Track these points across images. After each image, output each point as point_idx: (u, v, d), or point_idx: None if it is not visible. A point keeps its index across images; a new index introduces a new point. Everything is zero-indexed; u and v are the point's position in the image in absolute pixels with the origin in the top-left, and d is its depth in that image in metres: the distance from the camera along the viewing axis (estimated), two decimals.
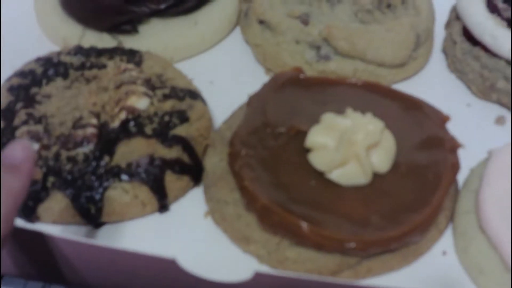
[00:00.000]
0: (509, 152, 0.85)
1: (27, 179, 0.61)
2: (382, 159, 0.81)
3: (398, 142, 0.84)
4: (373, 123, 0.81)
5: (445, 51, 1.10)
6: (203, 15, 1.08)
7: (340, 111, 0.85)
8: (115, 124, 0.85)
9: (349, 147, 0.80)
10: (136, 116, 0.86)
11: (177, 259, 0.67)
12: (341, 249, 0.76)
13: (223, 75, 1.06)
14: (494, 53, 0.99)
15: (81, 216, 0.82)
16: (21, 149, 0.61)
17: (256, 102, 0.90)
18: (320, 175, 0.81)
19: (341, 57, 1.02)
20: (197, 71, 1.03)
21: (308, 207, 0.78)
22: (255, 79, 1.01)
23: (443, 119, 0.88)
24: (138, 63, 0.94)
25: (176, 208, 0.87)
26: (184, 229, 0.85)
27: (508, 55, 0.97)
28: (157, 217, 0.86)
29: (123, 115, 0.86)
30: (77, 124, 0.84)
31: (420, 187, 0.81)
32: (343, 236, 0.75)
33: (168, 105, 0.89)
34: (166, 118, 0.87)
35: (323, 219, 0.77)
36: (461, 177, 0.89)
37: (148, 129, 0.85)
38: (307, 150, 0.83)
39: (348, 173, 0.80)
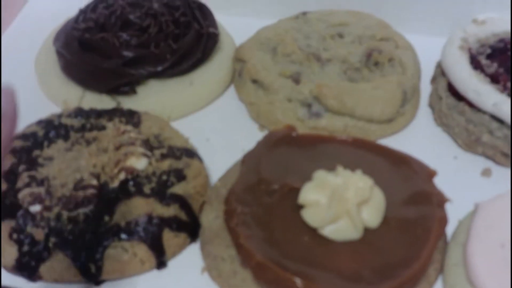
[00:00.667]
0: (495, 205, 0.88)
1: (12, 128, 0.55)
2: (372, 214, 0.84)
3: (387, 197, 0.87)
4: (363, 180, 0.84)
5: (431, 105, 1.14)
6: (199, 76, 1.13)
7: (331, 167, 0.88)
8: (115, 184, 0.89)
9: (340, 204, 0.83)
10: (135, 176, 0.89)
11: None
12: None
13: (219, 132, 1.10)
14: (478, 108, 1.03)
15: (82, 274, 0.84)
16: (5, 97, 0.55)
17: (250, 160, 0.93)
18: (313, 231, 0.84)
19: (331, 114, 1.06)
20: (194, 129, 1.07)
21: (301, 263, 0.80)
22: (249, 135, 1.05)
23: (430, 174, 0.92)
24: (137, 124, 0.98)
25: (174, 264, 0.90)
26: (181, 285, 0.88)
27: (491, 110, 1.01)
28: (155, 274, 0.89)
29: (122, 176, 0.89)
30: (78, 185, 0.87)
31: (410, 242, 0.83)
32: None
33: (166, 164, 0.92)
34: (164, 177, 0.90)
35: (316, 274, 0.79)
36: (450, 229, 0.92)
37: (147, 189, 0.89)
38: (300, 207, 0.86)
39: (340, 229, 0.83)
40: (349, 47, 1.15)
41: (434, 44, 1.20)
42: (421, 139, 1.10)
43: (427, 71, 1.19)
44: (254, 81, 1.10)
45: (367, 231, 0.84)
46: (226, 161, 1.00)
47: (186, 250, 0.92)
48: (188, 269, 0.89)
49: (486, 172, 1.03)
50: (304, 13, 1.23)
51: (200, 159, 0.97)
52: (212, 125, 1.11)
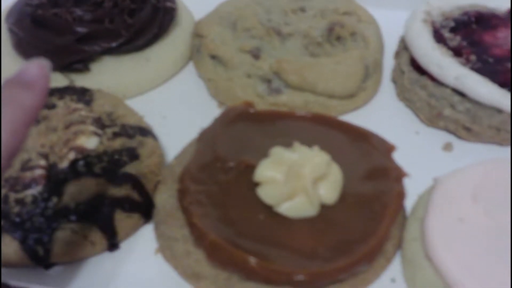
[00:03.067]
0: (454, 179, 0.87)
1: (41, 97, 0.59)
2: (329, 191, 0.82)
3: (345, 173, 0.85)
4: (320, 156, 0.82)
5: (394, 80, 1.12)
6: (155, 52, 1.09)
7: (289, 144, 0.86)
8: (64, 164, 0.85)
9: (296, 180, 0.81)
10: (85, 156, 0.86)
11: None
12: (290, 282, 0.76)
13: (177, 110, 1.07)
14: (440, 82, 1.01)
15: (30, 258, 0.81)
16: (37, 68, 0.60)
17: (206, 137, 0.91)
18: (269, 209, 0.82)
19: (292, 90, 1.03)
20: (150, 107, 1.05)
21: (256, 242, 0.78)
22: (208, 113, 1.02)
23: (389, 149, 0.90)
24: (89, 102, 0.95)
25: (127, 246, 0.87)
26: (135, 267, 0.85)
27: (453, 84, 0.99)
28: (107, 256, 0.86)
29: (72, 155, 0.86)
30: (25, 166, 0.84)
31: (367, 217, 0.82)
32: (291, 269, 0.76)
33: (118, 143, 0.89)
34: (116, 156, 0.87)
35: (271, 253, 0.77)
36: (410, 204, 0.91)
37: (97, 168, 0.86)
38: (256, 185, 0.83)
39: (296, 206, 0.81)
40: (311, 22, 1.12)
41: (399, 18, 1.18)
42: (383, 114, 1.08)
43: (391, 45, 1.17)
44: (213, 57, 1.07)
45: (324, 207, 0.83)
46: (183, 140, 0.97)
47: (140, 231, 0.89)
48: (142, 251, 0.87)
49: (447, 147, 1.02)
50: None
51: (154, 138, 0.94)
52: (170, 102, 1.08)
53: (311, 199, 0.80)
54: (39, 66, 0.60)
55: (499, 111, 0.98)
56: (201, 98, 1.09)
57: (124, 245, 0.87)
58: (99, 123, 0.91)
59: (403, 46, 1.12)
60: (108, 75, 1.06)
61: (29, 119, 0.57)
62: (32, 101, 0.58)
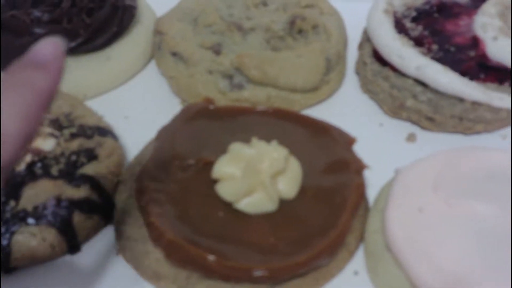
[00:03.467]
0: (414, 169, 0.86)
1: (56, 79, 0.55)
2: (288, 185, 0.82)
3: (305, 167, 0.85)
4: (277, 151, 0.82)
5: (357, 72, 1.12)
6: (116, 51, 1.08)
7: (249, 140, 0.85)
8: (21, 167, 0.85)
9: (254, 176, 0.80)
10: (42, 158, 0.86)
11: None
12: (250, 278, 0.76)
13: (139, 109, 1.06)
14: (402, 72, 1.01)
15: None
16: (51, 47, 0.56)
17: (165, 135, 0.90)
18: (228, 206, 0.81)
19: (254, 85, 1.03)
20: (112, 107, 1.04)
21: (215, 239, 0.78)
22: (170, 111, 1.01)
23: (349, 141, 0.90)
24: None
25: (88, 248, 0.87)
26: (96, 269, 0.84)
27: (414, 74, 0.99)
28: (69, 259, 0.85)
29: (28, 158, 0.85)
30: None
31: (327, 211, 0.82)
32: (249, 265, 0.75)
33: (76, 144, 0.88)
34: (73, 157, 0.87)
35: (230, 250, 0.77)
36: (373, 196, 0.91)
37: (55, 170, 0.85)
38: (215, 182, 0.83)
39: (255, 202, 0.81)
40: (272, 15, 1.11)
41: (363, 10, 1.16)
42: (347, 107, 1.08)
43: (356, 37, 1.17)
44: (174, 54, 1.06)
45: (284, 202, 0.82)
46: (145, 139, 0.96)
47: (101, 233, 0.88)
48: (103, 252, 0.86)
49: (411, 138, 1.02)
50: None
51: (114, 137, 0.94)
52: (132, 102, 1.07)
53: (270, 194, 0.80)
54: (53, 44, 0.55)
55: (461, 100, 0.98)
56: (163, 96, 1.08)
57: (86, 247, 0.87)
58: (56, 124, 0.90)
59: (366, 38, 1.12)
60: (68, 76, 1.02)
61: (44, 102, 0.53)
62: (47, 83, 0.53)
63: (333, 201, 0.83)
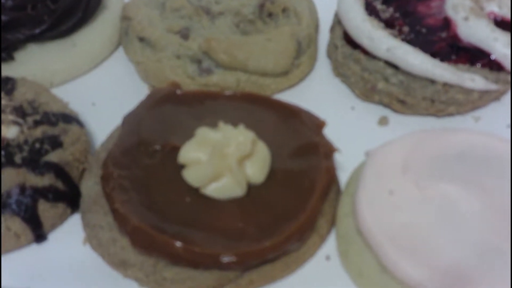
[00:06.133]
0: (384, 152, 0.86)
1: None
2: (256, 169, 0.81)
3: (274, 151, 0.84)
4: (244, 135, 0.80)
5: (329, 56, 1.11)
6: (82, 37, 1.07)
7: (216, 124, 0.84)
8: None
9: (221, 160, 0.79)
10: (5, 146, 0.84)
11: None
12: (218, 264, 0.75)
13: (106, 96, 1.04)
14: (372, 55, 1.00)
15: None
16: None
17: (130, 121, 0.88)
18: (195, 191, 0.80)
19: (223, 70, 1.01)
20: (79, 94, 1.03)
21: (182, 225, 0.77)
22: (138, 97, 0.99)
23: (319, 125, 0.88)
24: (10, 91, 0.92)
25: (54, 236, 0.85)
26: (63, 258, 0.83)
27: (385, 56, 0.98)
28: (34, 248, 0.84)
29: None
30: None
31: (296, 194, 0.80)
32: (216, 251, 0.74)
33: (39, 131, 0.87)
34: (37, 145, 0.85)
35: (197, 236, 0.76)
36: (345, 180, 0.90)
37: (18, 158, 0.83)
38: (182, 167, 0.81)
39: (223, 187, 0.79)
40: None
41: None
42: (319, 91, 1.07)
43: (328, 21, 1.15)
44: (141, 39, 1.04)
45: (252, 187, 0.81)
46: (113, 126, 0.94)
47: (67, 221, 0.87)
48: (70, 241, 0.85)
49: (382, 121, 1.01)
50: None
51: (80, 124, 0.92)
52: (99, 88, 1.06)
53: (237, 179, 0.79)
54: None
55: (432, 81, 0.97)
56: (131, 83, 1.07)
57: (52, 236, 0.85)
58: (20, 111, 0.88)
59: (337, 21, 1.10)
60: (33, 63, 1.03)
61: None
62: None
63: (302, 185, 0.81)
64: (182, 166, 0.82)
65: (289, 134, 0.88)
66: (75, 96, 0.99)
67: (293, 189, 0.81)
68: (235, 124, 0.83)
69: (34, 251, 0.84)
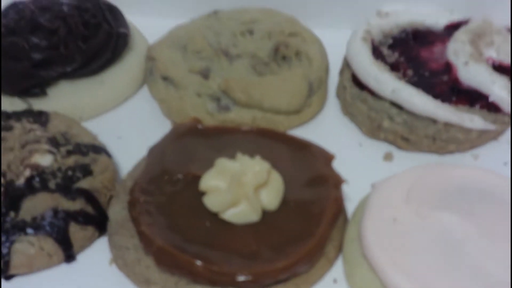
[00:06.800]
0: (388, 184, 0.92)
1: None
2: (270, 197, 0.88)
3: (287, 181, 0.91)
4: (260, 165, 0.88)
5: (338, 96, 1.19)
6: (110, 75, 1.15)
7: (234, 156, 0.91)
8: (20, 181, 0.90)
9: (239, 188, 0.86)
10: (40, 172, 0.91)
11: None
12: (234, 283, 0.82)
13: (131, 130, 1.12)
14: (378, 95, 1.08)
15: None
16: None
17: (155, 152, 0.96)
18: (214, 216, 0.87)
19: (240, 107, 1.09)
20: (106, 128, 1.10)
21: (202, 246, 0.83)
22: (161, 132, 1.06)
23: (328, 158, 0.96)
24: (44, 123, 1.00)
25: (83, 257, 0.92)
26: (90, 278, 0.90)
27: (390, 97, 1.06)
28: (64, 267, 0.91)
29: (27, 172, 0.91)
30: None
31: (306, 221, 0.87)
32: (232, 270, 0.81)
33: (72, 160, 0.94)
34: (69, 172, 0.92)
35: (215, 256, 0.82)
36: (352, 209, 0.97)
37: (52, 184, 0.90)
38: (203, 194, 0.89)
39: (240, 212, 0.86)
40: (258, 43, 1.18)
41: (344, 38, 1.23)
42: (329, 129, 1.14)
43: (337, 64, 1.23)
44: (165, 78, 1.13)
45: (266, 213, 0.88)
46: (137, 157, 1.02)
47: (95, 243, 0.94)
48: (97, 261, 0.92)
49: (387, 156, 1.08)
50: (216, 12, 1.26)
51: (108, 155, 0.99)
52: (125, 123, 1.14)
53: (253, 205, 0.86)
54: None
55: (434, 121, 1.04)
56: (154, 118, 1.14)
57: (80, 257, 0.92)
58: (54, 142, 0.96)
59: (346, 64, 1.18)
60: (64, 99, 1.11)
61: None
62: None
63: (312, 212, 0.88)
64: (202, 193, 0.89)
65: (301, 166, 0.95)
66: (103, 129, 1.07)
67: (304, 216, 0.88)
68: (251, 156, 0.91)
69: (64, 270, 0.91)
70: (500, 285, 0.81)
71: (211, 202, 0.87)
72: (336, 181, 0.92)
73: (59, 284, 0.89)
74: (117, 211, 0.92)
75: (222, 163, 0.89)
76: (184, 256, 0.81)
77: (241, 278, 0.81)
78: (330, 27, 1.31)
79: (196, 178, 0.90)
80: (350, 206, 0.98)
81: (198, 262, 0.81)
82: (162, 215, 0.87)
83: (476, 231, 0.86)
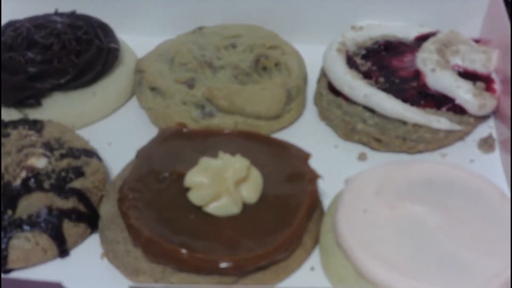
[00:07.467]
0: (360, 178, 0.99)
1: None
2: (250, 191, 0.95)
3: (266, 177, 0.98)
4: (240, 162, 0.94)
5: (316, 103, 1.26)
6: (101, 87, 1.22)
7: (216, 156, 0.98)
8: (17, 182, 0.97)
9: (220, 183, 0.93)
10: (35, 174, 0.98)
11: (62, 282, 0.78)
12: (217, 270, 0.88)
13: (121, 136, 1.19)
14: (352, 101, 1.16)
15: None
16: None
17: (143, 154, 1.03)
18: (198, 210, 0.94)
19: (223, 114, 1.16)
20: (97, 135, 1.17)
21: (186, 237, 0.90)
22: (149, 138, 1.13)
23: (305, 156, 1.03)
24: (39, 130, 1.07)
25: (76, 252, 0.98)
26: (83, 271, 0.96)
27: (363, 101, 1.13)
28: (58, 262, 0.97)
29: (24, 174, 0.97)
30: None
31: (284, 213, 0.94)
32: (215, 257, 0.87)
33: (65, 163, 1.01)
34: (63, 174, 0.99)
35: (199, 245, 0.89)
36: (328, 204, 1.03)
37: (47, 184, 0.97)
38: (187, 190, 0.95)
39: (222, 206, 0.93)
40: (240, 55, 1.26)
41: (322, 52, 1.31)
42: (307, 133, 1.21)
43: (315, 74, 1.31)
44: (153, 89, 1.20)
45: (246, 206, 0.95)
46: (126, 161, 1.09)
47: (87, 240, 1.00)
48: (89, 256, 0.97)
49: (362, 157, 1.15)
50: (201, 28, 1.35)
51: (99, 158, 1.06)
52: (115, 131, 1.20)
53: (234, 199, 0.93)
54: None
55: (404, 123, 1.12)
56: (143, 126, 1.21)
57: (74, 252, 0.98)
58: (48, 146, 1.03)
59: (323, 73, 1.26)
60: (58, 109, 1.18)
61: None
62: None
63: (289, 205, 0.95)
64: (187, 189, 0.96)
65: (279, 164, 1.02)
66: (94, 137, 1.13)
67: (281, 208, 0.95)
68: (232, 155, 0.98)
69: (58, 265, 0.97)
70: (467, 269, 0.87)
71: (195, 196, 0.94)
72: (312, 177, 0.99)
73: (54, 278, 0.94)
74: (107, 209, 0.99)
75: (206, 161, 0.96)
76: (170, 246, 0.88)
77: (223, 265, 0.87)
78: (309, 42, 1.38)
79: (181, 176, 0.97)
80: (326, 202, 1.04)
81: (184, 251, 0.87)
82: (149, 210, 0.93)
83: (443, 219, 0.93)
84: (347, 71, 1.19)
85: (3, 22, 1.31)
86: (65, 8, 1.33)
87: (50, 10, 1.33)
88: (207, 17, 1.39)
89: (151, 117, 1.21)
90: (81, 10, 1.34)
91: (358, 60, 1.24)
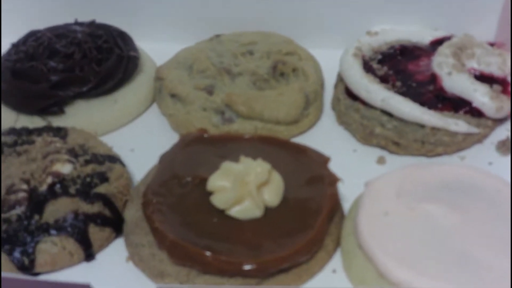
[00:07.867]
0: (380, 181, 1.01)
1: None
2: (272, 194, 0.96)
3: (287, 181, 0.99)
4: (261, 166, 0.96)
5: (333, 108, 1.28)
6: (122, 95, 1.25)
7: (237, 161, 1.00)
8: (43, 188, 0.99)
9: (242, 187, 0.94)
10: (61, 180, 1.00)
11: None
12: (240, 272, 0.89)
13: (143, 143, 1.21)
14: (370, 105, 1.17)
15: (17, 268, 0.94)
16: None
17: (165, 159, 1.05)
18: (221, 213, 0.95)
19: (242, 119, 1.18)
20: (119, 142, 1.19)
21: (210, 240, 0.91)
22: (170, 144, 1.15)
23: (324, 160, 1.04)
24: (63, 137, 1.09)
25: (101, 256, 1.00)
26: (109, 274, 0.97)
27: (380, 105, 1.15)
28: (85, 265, 0.99)
29: (49, 180, 0.99)
30: (10, 190, 0.98)
31: (305, 216, 0.95)
32: (239, 259, 0.89)
33: (89, 168, 1.03)
34: (88, 179, 1.01)
35: (223, 248, 0.90)
36: (348, 208, 1.05)
37: (72, 190, 0.99)
38: (210, 194, 0.97)
39: (244, 209, 0.95)
40: (258, 62, 1.28)
41: (338, 57, 1.33)
42: (325, 137, 1.22)
43: (332, 79, 1.33)
44: (173, 96, 1.22)
45: (268, 209, 0.96)
46: (149, 167, 1.10)
47: (112, 244, 1.02)
48: (115, 260, 0.99)
49: (380, 160, 1.16)
50: (218, 36, 1.37)
51: (122, 164, 1.08)
52: (137, 137, 1.23)
53: (256, 202, 0.94)
54: None
55: (422, 126, 1.13)
56: (164, 132, 1.23)
57: (99, 256, 1.00)
58: (73, 152, 1.05)
59: (340, 78, 1.28)
60: (81, 116, 1.20)
61: None
62: None
63: (310, 208, 0.96)
64: (209, 193, 0.97)
65: (299, 168, 1.03)
66: (117, 143, 1.15)
67: (302, 211, 0.96)
68: (253, 159, 0.99)
69: (84, 268, 0.99)
70: (485, 269, 0.88)
71: (218, 200, 0.95)
72: (332, 180, 1.01)
73: (81, 281, 0.96)
74: (132, 213, 1.01)
75: (227, 165, 0.98)
76: (195, 249, 0.89)
77: (247, 267, 0.88)
78: (324, 47, 1.40)
79: (203, 180, 0.99)
80: (346, 205, 1.06)
81: (208, 253, 0.89)
82: (173, 213, 0.95)
83: (462, 220, 0.94)
84: (364, 76, 1.20)
85: (23, 33, 1.33)
86: (83, 18, 1.36)
87: (67, 20, 1.37)
88: (223, 23, 1.42)
89: (172, 123, 1.23)
90: (100, 19, 1.37)
91: (374, 65, 1.25)
